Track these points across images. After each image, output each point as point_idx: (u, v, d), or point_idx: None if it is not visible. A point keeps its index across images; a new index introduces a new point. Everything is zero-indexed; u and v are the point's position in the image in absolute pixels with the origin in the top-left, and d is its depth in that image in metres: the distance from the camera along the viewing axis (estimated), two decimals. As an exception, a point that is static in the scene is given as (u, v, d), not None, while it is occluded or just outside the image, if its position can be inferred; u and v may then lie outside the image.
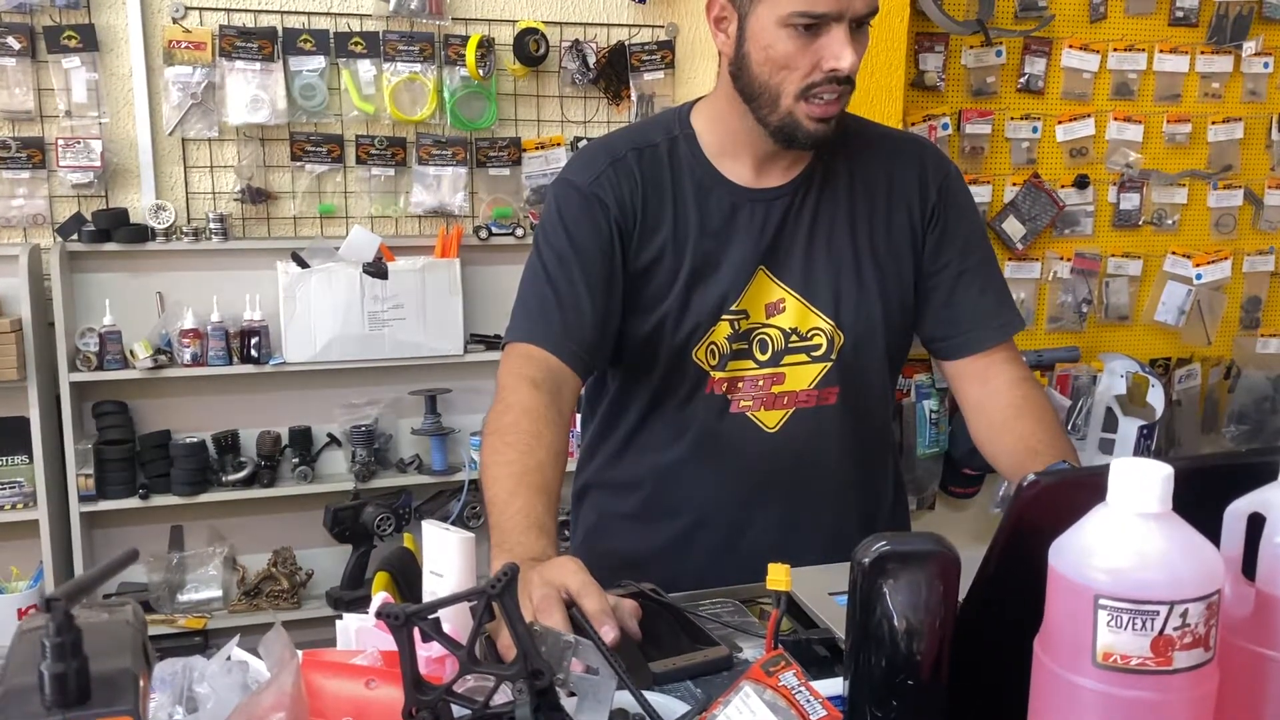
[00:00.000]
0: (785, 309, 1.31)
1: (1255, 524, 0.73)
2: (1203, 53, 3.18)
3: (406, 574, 2.05)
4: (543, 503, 1.10)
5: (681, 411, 1.35)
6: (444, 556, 0.96)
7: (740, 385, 1.33)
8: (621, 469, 1.41)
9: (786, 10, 1.16)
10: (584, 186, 1.29)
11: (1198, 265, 3.25)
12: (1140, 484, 0.67)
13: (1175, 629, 0.64)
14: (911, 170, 1.35)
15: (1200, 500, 0.73)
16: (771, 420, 1.34)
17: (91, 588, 0.53)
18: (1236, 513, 0.74)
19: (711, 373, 1.32)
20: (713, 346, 1.32)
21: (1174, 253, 3.27)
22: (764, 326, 1.32)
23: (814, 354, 1.33)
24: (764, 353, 1.32)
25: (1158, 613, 0.64)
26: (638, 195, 1.29)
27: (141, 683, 0.56)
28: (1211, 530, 0.74)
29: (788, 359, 1.32)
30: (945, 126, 3.03)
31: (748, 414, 1.33)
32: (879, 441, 1.43)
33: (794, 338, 1.32)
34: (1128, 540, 0.66)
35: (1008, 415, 1.31)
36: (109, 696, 0.52)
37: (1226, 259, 3.29)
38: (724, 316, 1.31)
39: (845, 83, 1.20)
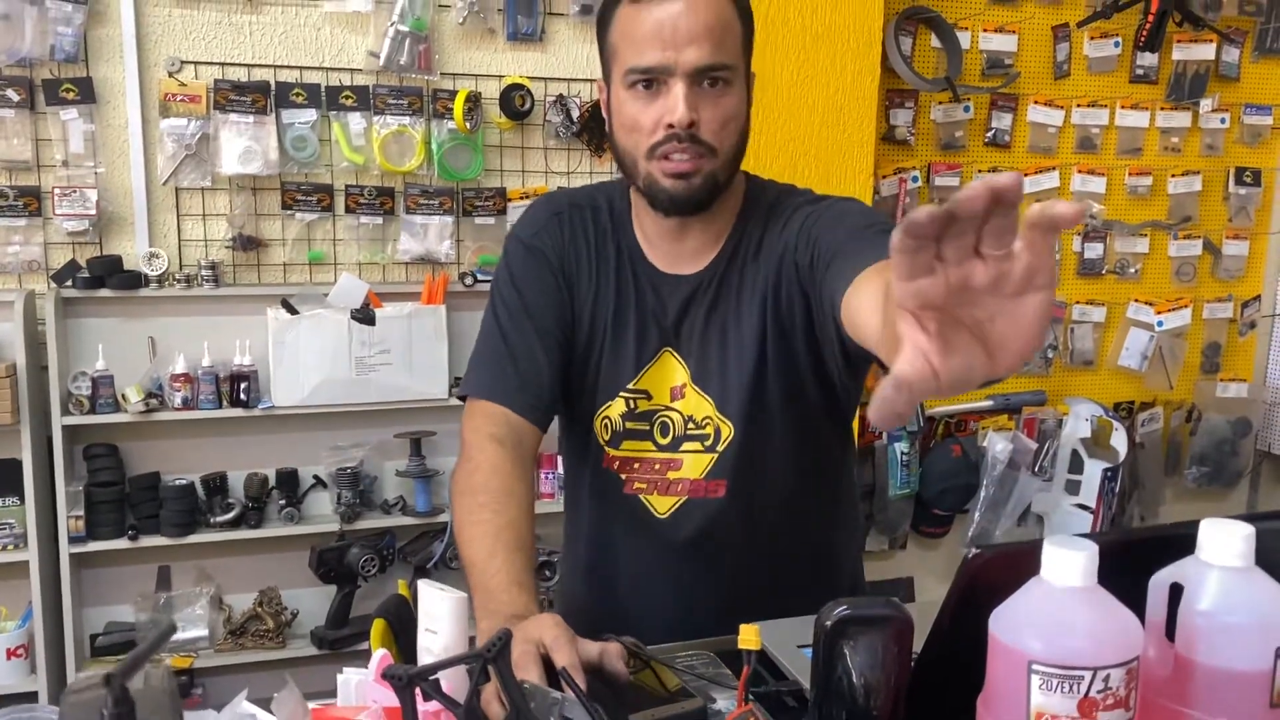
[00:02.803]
0: (685, 395, 1.30)
1: (1176, 592, 0.82)
2: (1162, 109, 3.32)
3: (402, 621, 2.11)
4: (520, 560, 1.15)
5: (594, 478, 1.36)
6: (438, 615, 1.03)
7: (636, 466, 1.32)
8: (571, 522, 1.45)
9: (624, 70, 1.19)
10: (528, 240, 1.34)
11: (1159, 312, 3.37)
12: (1068, 561, 0.75)
13: (1099, 692, 0.72)
14: (781, 228, 1.28)
15: (1129, 569, 0.81)
16: (663, 506, 1.32)
17: (143, 662, 0.60)
18: (1159, 583, 0.83)
19: (606, 448, 1.33)
20: (607, 421, 1.32)
21: (1136, 300, 3.39)
22: (667, 410, 1.31)
23: (705, 443, 1.30)
24: (665, 436, 1.31)
25: (1083, 677, 0.72)
26: (569, 249, 1.33)
27: (182, 745, 0.63)
28: (1138, 596, 0.83)
29: (686, 445, 1.31)
30: (915, 179, 3.14)
31: (640, 497, 1.32)
32: (786, 531, 1.35)
33: (690, 425, 1.30)
34: (1057, 612, 0.74)
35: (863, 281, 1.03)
36: (157, 759, 0.59)
37: (1187, 306, 3.41)
38: (621, 393, 1.31)
39: (692, 141, 1.17)
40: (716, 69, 1.17)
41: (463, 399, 1.33)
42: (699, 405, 1.29)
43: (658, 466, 1.31)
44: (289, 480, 2.80)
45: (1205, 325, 3.49)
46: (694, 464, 1.30)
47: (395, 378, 2.78)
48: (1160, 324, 3.38)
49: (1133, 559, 0.84)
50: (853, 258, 1.07)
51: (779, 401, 1.28)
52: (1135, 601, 0.80)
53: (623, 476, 1.33)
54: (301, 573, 2.79)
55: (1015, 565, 0.81)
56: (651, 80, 1.17)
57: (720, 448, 1.29)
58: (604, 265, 1.32)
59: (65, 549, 2.61)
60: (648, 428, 1.32)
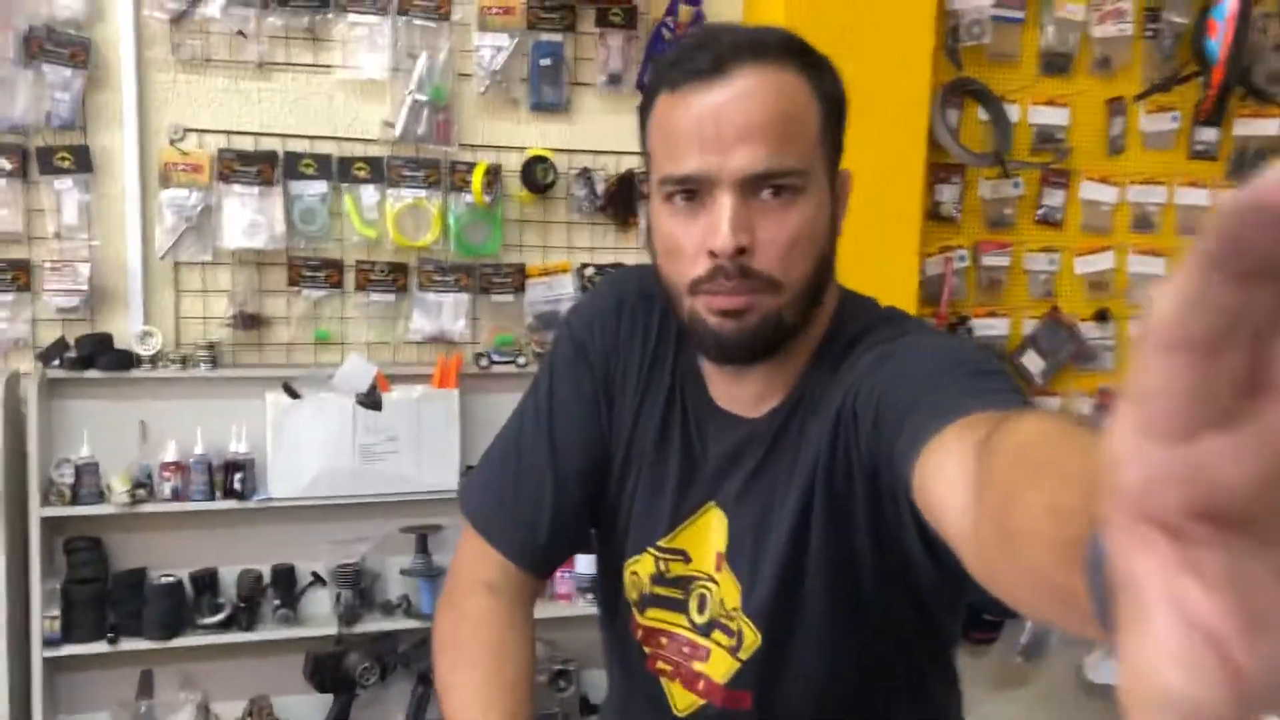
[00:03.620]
0: (722, 569, 1.01)
1: None
2: (1224, 186, 3.12)
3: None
4: None
5: (619, 638, 1.11)
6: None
7: (663, 641, 1.05)
8: (605, 657, 1.22)
9: (659, 179, 0.92)
10: (577, 331, 1.09)
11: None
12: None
13: None
14: (848, 370, 0.93)
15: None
16: (683, 702, 1.04)
17: None
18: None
19: (633, 609, 1.08)
20: (635, 579, 1.07)
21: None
22: (709, 580, 1.01)
23: (730, 640, 1.00)
24: (702, 612, 1.02)
25: None
26: (621, 352, 1.06)
27: None
28: None
29: (716, 634, 1.01)
30: (962, 258, 2.95)
31: (661, 680, 1.06)
32: None
33: (722, 610, 1.00)
34: None
35: (970, 494, 0.61)
36: None
37: (1254, 397, 3.17)
38: (650, 549, 1.04)
39: (743, 275, 0.88)
40: (777, 175, 0.88)
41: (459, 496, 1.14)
42: (729, 589, 1.00)
43: (686, 650, 1.04)
44: (285, 578, 2.58)
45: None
46: (719, 663, 1.01)
47: (402, 467, 2.58)
48: (1226, 415, 3.14)
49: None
50: (932, 412, 0.73)
51: (823, 602, 0.95)
52: None
53: (646, 650, 1.07)
54: (295, 680, 2.55)
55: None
56: (693, 191, 0.90)
57: (744, 656, 0.99)
58: (656, 383, 1.05)
59: (38, 652, 2.39)
60: (682, 597, 1.04)
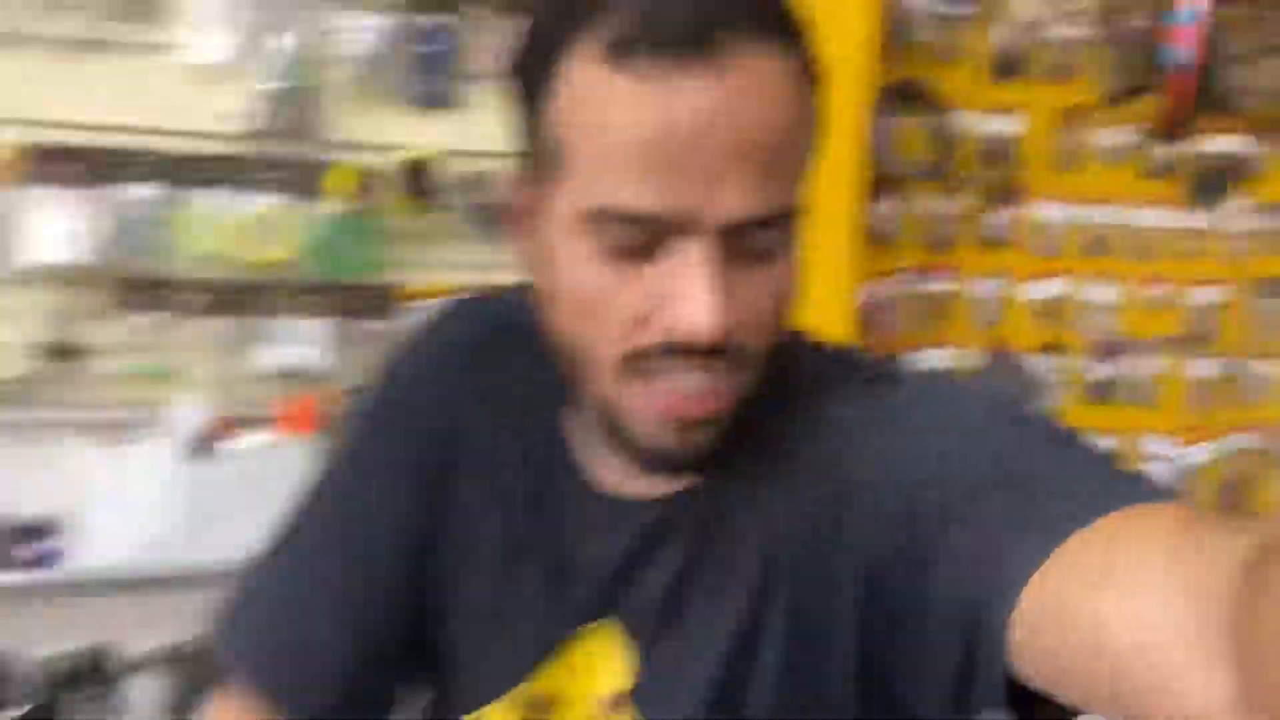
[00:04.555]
0: (623, 712, 0.71)
1: None
2: (1184, 208, 2.91)
3: None
4: None
5: None
6: None
7: None
8: None
9: (589, 204, 0.60)
10: (401, 384, 0.79)
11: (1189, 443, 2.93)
12: None
13: None
14: (821, 429, 0.67)
15: None
16: None
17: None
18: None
19: None
20: None
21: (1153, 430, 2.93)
22: None
23: None
24: None
25: None
26: (461, 421, 0.76)
27: None
28: None
29: None
30: (902, 283, 2.66)
31: None
32: None
33: None
34: None
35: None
36: None
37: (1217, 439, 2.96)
38: (503, 697, 0.74)
39: (710, 356, 0.60)
40: (774, 220, 0.60)
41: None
42: None
43: None
44: (98, 664, 2.18)
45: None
46: None
47: (244, 531, 2.18)
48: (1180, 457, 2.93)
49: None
50: (1032, 522, 0.52)
51: None
52: None
53: None
54: (113, 785, 2.16)
55: None
56: (647, 233, 0.60)
57: None
58: (508, 457, 0.76)
59: None
60: None
